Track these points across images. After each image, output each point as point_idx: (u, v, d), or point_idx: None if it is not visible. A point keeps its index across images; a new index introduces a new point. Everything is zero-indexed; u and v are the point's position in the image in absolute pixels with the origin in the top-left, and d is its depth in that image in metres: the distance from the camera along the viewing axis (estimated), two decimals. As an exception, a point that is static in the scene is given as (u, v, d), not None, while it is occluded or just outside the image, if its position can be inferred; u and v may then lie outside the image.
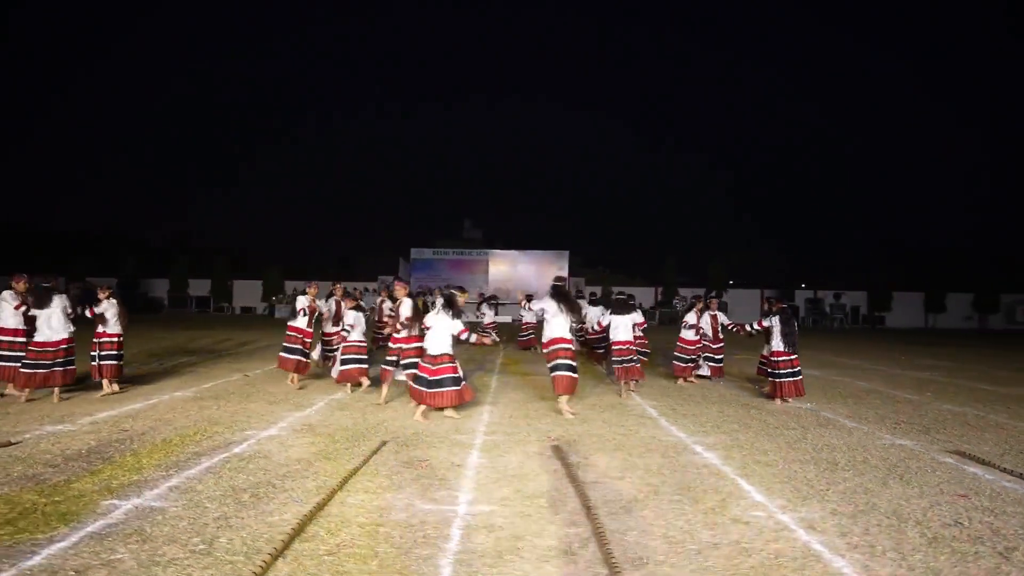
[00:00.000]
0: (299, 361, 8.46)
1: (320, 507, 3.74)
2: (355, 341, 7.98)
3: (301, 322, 8.55)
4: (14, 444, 5.12)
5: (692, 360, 9.41)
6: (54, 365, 6.97)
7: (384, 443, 5.43)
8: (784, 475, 4.69)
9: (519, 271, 34.31)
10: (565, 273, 34.31)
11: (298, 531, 3.36)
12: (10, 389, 7.28)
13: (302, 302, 8.71)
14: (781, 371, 7.90)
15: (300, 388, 8.34)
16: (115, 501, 3.83)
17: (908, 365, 13.12)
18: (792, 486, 4.41)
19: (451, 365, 6.38)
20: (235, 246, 44.87)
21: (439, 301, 6.59)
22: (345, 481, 4.27)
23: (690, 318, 9.38)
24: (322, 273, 38.27)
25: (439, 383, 6.29)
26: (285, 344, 8.54)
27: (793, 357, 8.03)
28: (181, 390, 8.06)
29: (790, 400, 7.93)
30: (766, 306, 8.59)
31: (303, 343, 8.50)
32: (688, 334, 9.37)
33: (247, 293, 33.52)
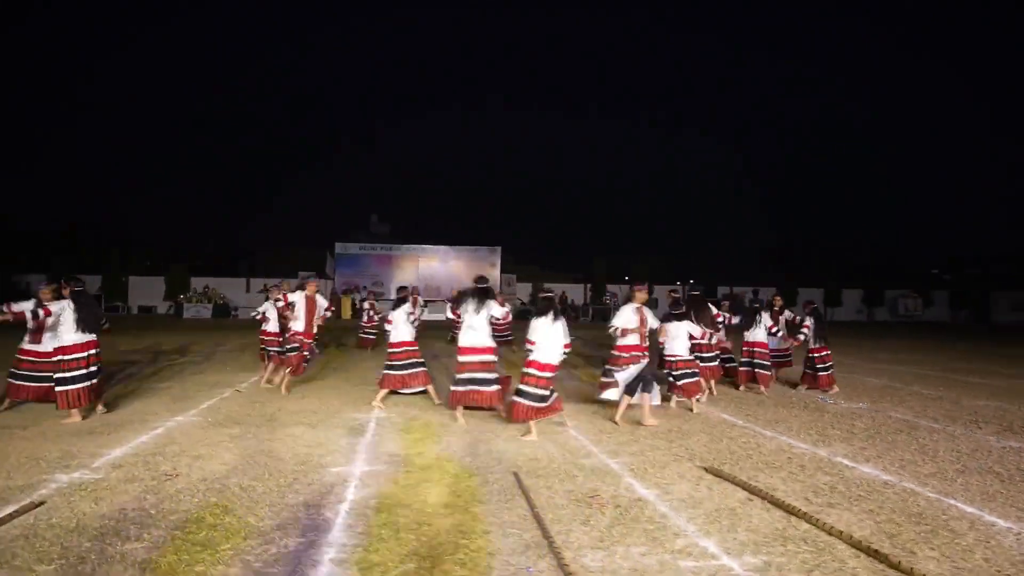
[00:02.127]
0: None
1: (568, 575, 2.91)
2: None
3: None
4: (39, 505, 3.76)
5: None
6: None
7: (515, 474, 4.58)
8: (973, 489, 4.39)
9: (450, 267, 33.24)
10: (497, 271, 33.72)
11: (598, 620, 2.53)
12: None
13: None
14: (756, 360, 8.56)
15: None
16: (286, 591, 2.77)
17: (872, 359, 13.77)
18: (1000, 503, 4.11)
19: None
20: (124, 238, 39.93)
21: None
22: (548, 536, 3.42)
23: (765, 321, 8.69)
24: (233, 269, 35.28)
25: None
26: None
27: (787, 349, 9.12)
28: (178, 414, 6.61)
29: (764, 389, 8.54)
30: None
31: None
32: (762, 336, 8.63)
33: (145, 291, 29.92)
